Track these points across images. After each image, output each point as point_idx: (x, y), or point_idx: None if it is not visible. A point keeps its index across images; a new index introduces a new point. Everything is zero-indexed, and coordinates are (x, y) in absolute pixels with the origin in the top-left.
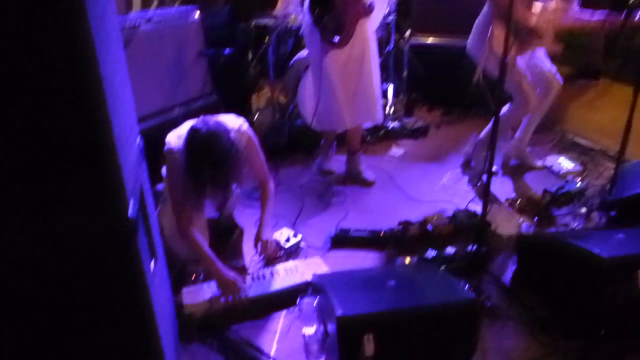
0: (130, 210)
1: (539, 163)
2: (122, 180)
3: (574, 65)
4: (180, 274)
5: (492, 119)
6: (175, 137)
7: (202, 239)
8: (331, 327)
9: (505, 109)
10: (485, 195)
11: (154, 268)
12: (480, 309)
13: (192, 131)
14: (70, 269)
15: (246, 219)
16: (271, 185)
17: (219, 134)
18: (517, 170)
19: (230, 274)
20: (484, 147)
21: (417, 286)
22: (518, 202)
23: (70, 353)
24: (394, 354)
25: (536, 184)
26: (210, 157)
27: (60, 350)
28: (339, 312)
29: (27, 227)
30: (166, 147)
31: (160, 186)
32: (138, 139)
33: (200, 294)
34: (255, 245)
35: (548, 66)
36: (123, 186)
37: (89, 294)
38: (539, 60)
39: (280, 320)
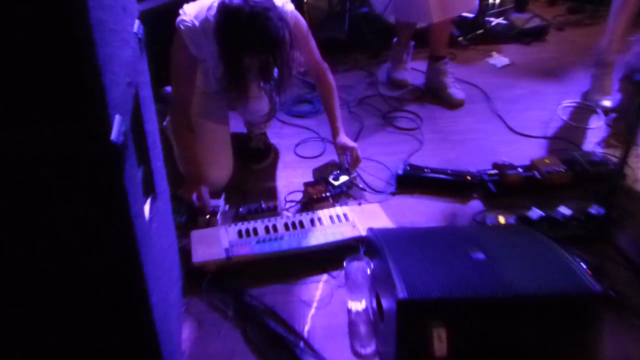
0: (115, 132)
1: None
2: (102, 85)
3: None
4: (191, 212)
5: None
6: (195, 9)
7: (190, 138)
8: (388, 306)
9: None
10: (626, 133)
11: (150, 209)
12: (605, 307)
13: (230, 9)
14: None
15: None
16: (329, 74)
17: (269, 11)
18: None
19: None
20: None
21: (515, 263)
22: None
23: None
24: (474, 359)
25: None
26: (259, 41)
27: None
28: (401, 293)
29: None
30: (179, 19)
31: (169, 89)
32: (136, 25)
33: (215, 241)
34: (340, 156)
35: None
36: (103, 94)
37: (51, 240)
38: None
39: (319, 287)
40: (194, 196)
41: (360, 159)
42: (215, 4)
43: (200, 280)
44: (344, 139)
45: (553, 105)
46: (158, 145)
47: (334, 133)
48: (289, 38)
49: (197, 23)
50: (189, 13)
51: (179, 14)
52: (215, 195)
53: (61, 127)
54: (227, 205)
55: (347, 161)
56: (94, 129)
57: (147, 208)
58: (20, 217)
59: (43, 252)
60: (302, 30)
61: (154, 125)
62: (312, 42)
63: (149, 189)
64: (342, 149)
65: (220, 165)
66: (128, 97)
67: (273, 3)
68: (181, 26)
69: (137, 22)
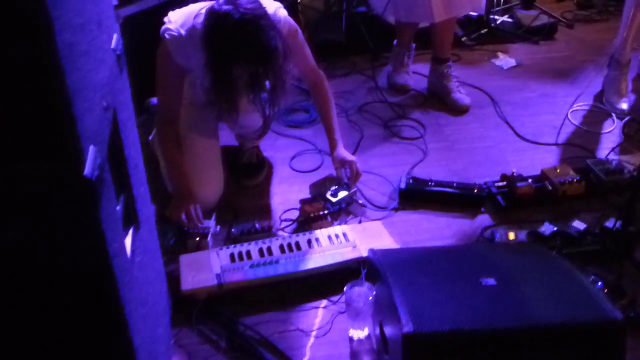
0: (88, 166)
1: None
2: (72, 116)
3: None
4: (180, 234)
5: None
6: (181, 17)
7: (178, 153)
8: (393, 338)
9: None
10: None
11: (133, 241)
12: (626, 338)
13: (219, 15)
14: None
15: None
16: (326, 83)
17: (261, 19)
18: None
19: (190, 209)
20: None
21: (529, 289)
22: None
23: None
24: None
25: None
26: (249, 50)
27: None
28: (407, 327)
29: None
30: (164, 27)
31: (155, 100)
32: (114, 41)
33: (205, 266)
34: (338, 170)
35: None
36: (73, 126)
37: (27, 283)
38: None
39: (318, 314)
40: (183, 215)
41: (360, 173)
42: (203, 11)
43: (191, 309)
44: (342, 152)
45: (564, 109)
46: (141, 170)
47: (332, 146)
48: (282, 49)
49: (183, 32)
50: (174, 21)
51: (163, 22)
52: (205, 215)
53: (29, 165)
54: (219, 226)
55: (347, 176)
56: (65, 165)
57: (128, 240)
58: None
59: (19, 295)
60: (296, 37)
61: (136, 148)
62: (307, 50)
63: (131, 219)
64: (341, 163)
65: (210, 183)
66: (104, 124)
67: (265, 11)
68: (166, 35)
69: (115, 36)
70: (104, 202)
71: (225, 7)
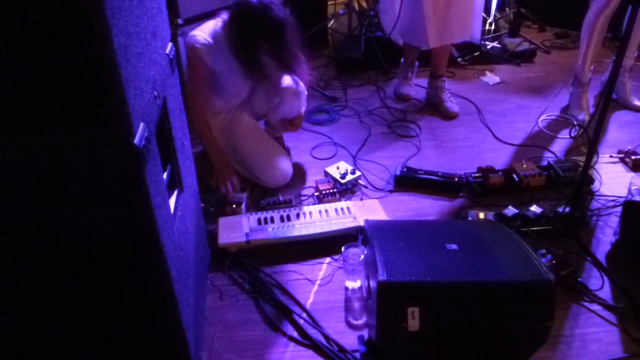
0: (138, 137)
1: (638, 103)
2: (125, 98)
3: None
4: (220, 202)
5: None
6: (203, 30)
7: (210, 132)
8: (373, 286)
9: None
10: (591, 143)
11: (177, 199)
12: (555, 295)
13: (242, 5)
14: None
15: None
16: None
17: (273, 4)
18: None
19: (229, 168)
20: (576, 83)
21: (483, 254)
22: (633, 156)
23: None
24: (443, 335)
25: None
26: (269, 26)
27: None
28: (382, 276)
29: None
30: (190, 40)
31: None
32: (168, 47)
33: (238, 226)
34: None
35: None
36: (125, 105)
37: (87, 222)
38: None
39: (322, 268)
40: (229, 185)
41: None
42: (220, 22)
43: (224, 258)
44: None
45: (535, 117)
46: (187, 147)
47: None
48: (288, 24)
49: (210, 39)
50: (199, 37)
51: (188, 37)
52: (241, 190)
53: (96, 134)
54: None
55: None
56: (120, 135)
57: (173, 199)
58: (60, 204)
59: (81, 232)
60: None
61: (184, 130)
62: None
63: (176, 184)
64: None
65: (284, 162)
66: (154, 108)
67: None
68: (197, 45)
69: (170, 45)
70: (150, 166)
71: (245, 4)
